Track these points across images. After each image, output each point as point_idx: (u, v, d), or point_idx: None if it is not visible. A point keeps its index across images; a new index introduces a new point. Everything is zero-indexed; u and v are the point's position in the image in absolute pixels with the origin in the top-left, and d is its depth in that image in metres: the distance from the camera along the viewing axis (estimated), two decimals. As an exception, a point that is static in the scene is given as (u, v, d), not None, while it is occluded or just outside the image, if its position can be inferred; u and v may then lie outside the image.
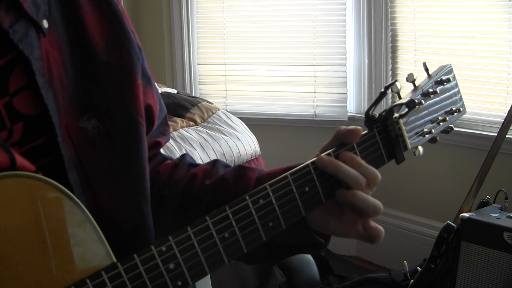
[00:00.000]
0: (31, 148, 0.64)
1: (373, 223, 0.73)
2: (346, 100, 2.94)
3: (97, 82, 0.71)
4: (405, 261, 2.17)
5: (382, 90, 0.73)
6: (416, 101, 0.76)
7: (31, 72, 0.63)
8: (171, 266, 0.61)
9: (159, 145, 0.87)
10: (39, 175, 0.58)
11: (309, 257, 2.43)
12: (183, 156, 0.89)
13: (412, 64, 2.70)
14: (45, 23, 0.66)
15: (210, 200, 0.79)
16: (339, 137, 0.73)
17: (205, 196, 0.80)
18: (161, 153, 0.91)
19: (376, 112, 0.76)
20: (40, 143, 0.65)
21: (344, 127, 0.73)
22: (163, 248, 0.61)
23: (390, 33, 2.75)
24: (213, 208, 0.78)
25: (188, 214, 0.81)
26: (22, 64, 0.63)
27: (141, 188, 0.74)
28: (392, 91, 0.76)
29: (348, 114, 2.93)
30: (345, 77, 2.93)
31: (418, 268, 1.94)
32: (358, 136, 0.72)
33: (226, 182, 0.80)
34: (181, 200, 0.82)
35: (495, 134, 1.88)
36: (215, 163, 0.85)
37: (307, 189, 0.70)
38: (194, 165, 0.87)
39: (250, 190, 0.76)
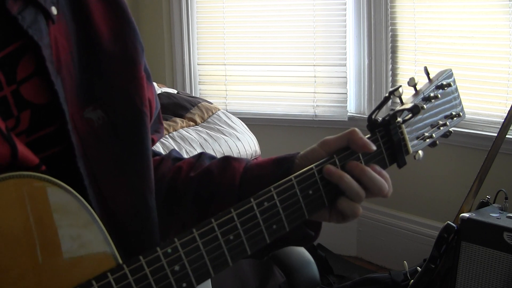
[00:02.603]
0: (38, 137, 0.64)
1: (346, 200, 0.72)
2: (346, 100, 2.94)
3: (102, 72, 0.71)
4: (405, 261, 2.17)
5: (386, 95, 0.74)
6: (420, 106, 0.77)
7: (40, 59, 0.62)
8: (177, 268, 0.61)
9: (152, 141, 0.87)
10: (44, 175, 0.58)
11: (309, 257, 2.43)
12: (170, 152, 0.89)
13: (412, 64, 2.70)
14: (54, 10, 0.65)
15: (196, 192, 0.79)
16: (350, 141, 0.72)
17: (190, 188, 0.80)
18: (152, 149, 0.91)
19: (378, 116, 0.76)
20: (47, 132, 0.65)
21: (359, 133, 0.72)
22: (169, 250, 0.61)
23: (390, 33, 2.76)
24: (199, 200, 0.78)
25: (173, 207, 0.81)
26: (30, 52, 0.63)
27: (146, 180, 0.73)
28: (394, 95, 0.76)
29: (348, 114, 2.94)
30: (345, 77, 2.93)
31: (418, 268, 1.94)
32: (372, 151, 0.72)
33: (211, 173, 0.80)
34: (166, 193, 0.82)
35: (495, 134, 1.89)
36: (200, 155, 0.85)
37: (310, 192, 0.70)
38: (180, 159, 0.86)
39: (236, 181, 0.77)
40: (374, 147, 0.72)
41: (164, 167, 0.84)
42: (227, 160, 0.81)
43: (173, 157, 0.87)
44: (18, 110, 0.62)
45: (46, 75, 0.63)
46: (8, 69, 0.61)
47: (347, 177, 0.70)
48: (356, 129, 0.73)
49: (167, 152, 1.96)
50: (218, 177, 0.79)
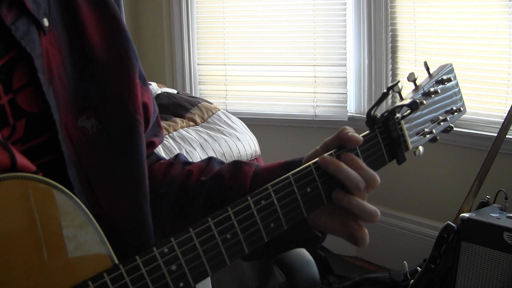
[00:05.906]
0: (32, 146, 0.65)
1: (360, 226, 0.71)
2: (346, 100, 2.94)
3: (96, 81, 0.71)
4: (405, 261, 2.17)
5: (385, 90, 0.73)
6: (418, 102, 0.76)
7: (33, 69, 0.63)
8: (173, 267, 0.61)
9: (153, 145, 0.87)
10: (41, 176, 0.58)
11: (309, 257, 2.43)
12: (177, 155, 0.90)
13: (412, 64, 2.70)
14: (45, 22, 0.66)
15: (207, 196, 0.80)
16: (341, 138, 0.73)
17: (201, 192, 0.80)
18: (155, 153, 0.91)
19: (377, 112, 0.76)
20: (41, 141, 0.65)
21: (348, 129, 0.72)
22: (165, 250, 0.60)
23: (390, 33, 2.75)
24: (210, 204, 0.78)
25: (184, 211, 0.81)
26: (24, 62, 0.63)
27: (141, 186, 0.74)
28: (393, 90, 0.75)
29: (348, 114, 2.93)
30: (345, 77, 2.93)
31: (418, 268, 1.94)
32: (358, 144, 0.71)
33: (222, 178, 0.80)
34: (177, 197, 0.82)
35: (495, 134, 1.88)
36: (210, 160, 0.85)
37: (308, 189, 0.70)
38: (189, 163, 0.87)
39: (247, 185, 0.77)
40: (360, 139, 0.71)
41: (174, 170, 0.85)
42: (238, 165, 0.81)
43: (183, 161, 0.87)
44: (14, 119, 0.63)
45: (38, 85, 0.63)
46: (5, 78, 0.62)
47: (343, 165, 0.69)
48: (346, 126, 0.73)
49: (167, 152, 1.97)
50: (229, 181, 0.79)
